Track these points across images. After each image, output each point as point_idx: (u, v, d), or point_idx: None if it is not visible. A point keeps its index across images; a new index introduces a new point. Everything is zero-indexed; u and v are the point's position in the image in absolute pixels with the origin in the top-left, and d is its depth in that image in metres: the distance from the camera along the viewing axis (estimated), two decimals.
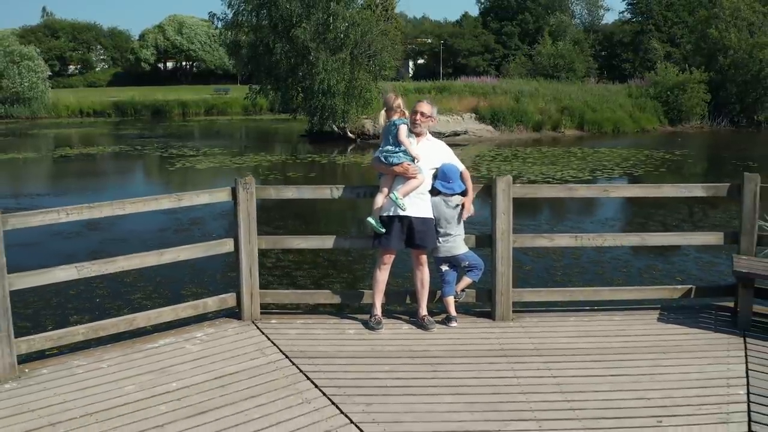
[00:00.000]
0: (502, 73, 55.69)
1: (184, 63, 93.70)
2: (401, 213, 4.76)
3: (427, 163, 4.89)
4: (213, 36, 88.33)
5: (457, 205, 4.96)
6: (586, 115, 39.69)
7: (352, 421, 3.61)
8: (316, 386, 4.03)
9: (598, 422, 3.61)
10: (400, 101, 4.93)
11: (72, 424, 3.66)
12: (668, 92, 44.89)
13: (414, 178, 4.75)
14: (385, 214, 4.82)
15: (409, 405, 3.83)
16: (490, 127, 36.20)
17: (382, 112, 4.98)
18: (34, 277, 4.40)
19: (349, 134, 33.14)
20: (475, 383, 4.11)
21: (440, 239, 5.00)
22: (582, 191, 5.90)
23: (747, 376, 4.16)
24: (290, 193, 5.39)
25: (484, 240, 5.15)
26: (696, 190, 5.33)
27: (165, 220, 14.89)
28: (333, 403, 3.82)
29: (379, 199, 4.84)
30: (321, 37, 30.60)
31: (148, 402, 3.89)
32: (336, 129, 32.90)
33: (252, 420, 3.64)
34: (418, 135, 4.93)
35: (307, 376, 4.16)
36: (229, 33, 34.35)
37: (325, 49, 30.54)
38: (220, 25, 34.83)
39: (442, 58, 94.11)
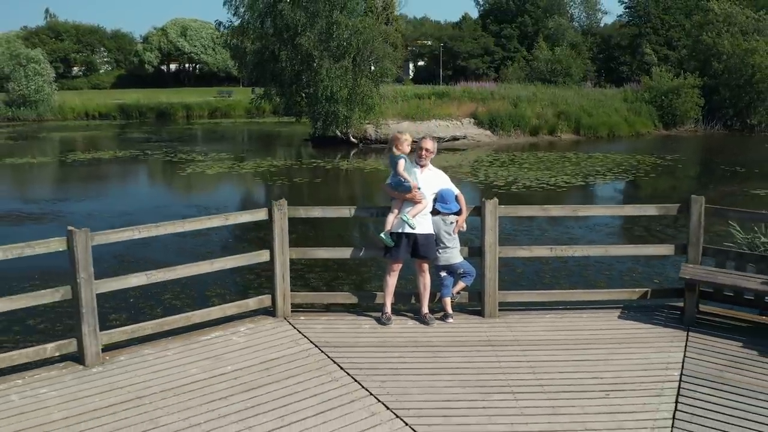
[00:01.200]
0: (501, 76, 56.69)
1: (187, 65, 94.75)
2: (408, 230, 5.84)
3: (429, 189, 5.97)
4: (215, 38, 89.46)
5: (452, 223, 6.04)
6: (583, 120, 40.61)
7: (371, 393, 4.69)
8: (342, 368, 5.11)
9: (560, 395, 4.69)
10: (407, 138, 5.96)
11: (155, 397, 4.74)
12: (663, 97, 45.76)
13: (419, 202, 5.83)
14: (395, 231, 5.90)
15: (415, 382, 4.91)
16: (488, 132, 37.20)
17: (393, 148, 6.01)
18: (113, 283, 5.47)
19: (352, 139, 34.16)
20: (466, 366, 5.20)
21: (440, 251, 6.08)
22: (555, 211, 7.00)
23: (683, 362, 5.24)
24: (316, 212, 6.49)
25: (475, 251, 6.23)
26: (650, 209, 6.41)
27: None
28: (356, 381, 4.90)
29: (390, 219, 5.92)
30: (324, 44, 31.61)
31: (210, 381, 4.97)
32: (339, 134, 33.94)
33: (294, 393, 4.73)
34: (422, 166, 6.01)
35: (334, 361, 5.25)
36: (235, 40, 35.39)
37: (328, 56, 31.55)
38: (226, 32, 35.85)
39: (442, 61, 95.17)
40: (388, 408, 4.51)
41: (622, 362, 5.22)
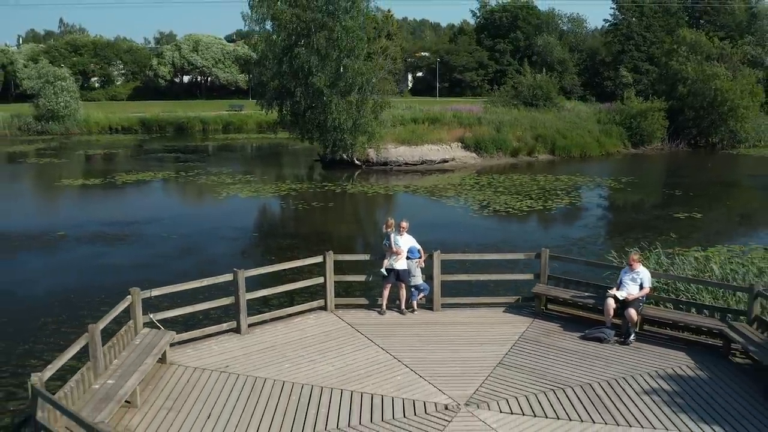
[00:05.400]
0: (490, 96, 62.06)
1: (198, 78, 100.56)
2: (394, 267, 11.68)
3: (405, 246, 11.79)
4: (226, 53, 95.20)
5: (417, 263, 11.86)
6: (558, 142, 46.00)
7: (376, 344, 10.51)
8: (363, 334, 10.93)
9: (460, 345, 10.48)
10: (394, 223, 11.79)
11: (279, 346, 10.53)
12: (632, 119, 51.13)
13: (400, 254, 11.67)
14: (387, 268, 11.74)
15: (398, 339, 10.72)
16: (474, 154, 42.92)
17: (385, 226, 11.83)
18: (252, 294, 11.26)
19: (356, 161, 40.02)
20: (421, 333, 11.02)
21: (410, 277, 11.90)
22: (471, 256, 12.87)
23: (523, 332, 11.05)
24: (347, 257, 12.30)
25: (429, 277, 12.05)
26: (521, 256, 12.26)
27: (231, 246, 21.73)
28: (369, 339, 10.71)
29: (385, 262, 11.75)
30: (333, 83, 37.35)
31: (302, 339, 10.78)
32: (345, 157, 39.77)
33: (341, 344, 10.54)
34: (401, 235, 11.83)
35: (358, 331, 11.06)
36: (255, 73, 41.13)
37: (336, 93, 37.33)
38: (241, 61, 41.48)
39: (439, 73, 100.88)
40: (384, 350, 10.34)
41: (495, 331, 11.05)
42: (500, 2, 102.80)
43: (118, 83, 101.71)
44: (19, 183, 39.04)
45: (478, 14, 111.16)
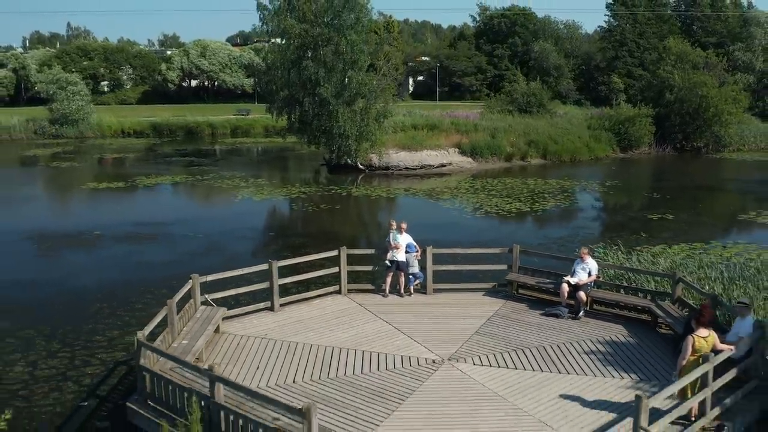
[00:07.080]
0: (487, 103, 64.85)
1: (206, 82, 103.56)
2: (395, 259, 14.62)
3: (403, 242, 14.72)
4: (233, 58, 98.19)
5: (414, 256, 14.78)
6: (549, 147, 48.86)
7: (382, 319, 13.44)
8: (370, 312, 13.85)
9: (443, 318, 13.40)
10: (395, 224, 14.72)
11: (306, 320, 13.45)
12: (620, 125, 54.02)
13: (399, 249, 14.60)
14: (390, 260, 14.67)
15: (399, 316, 13.62)
16: (470, 159, 45.83)
17: (389, 226, 14.76)
18: (282, 280, 14.20)
19: (360, 166, 42.95)
20: (417, 310, 13.96)
21: (409, 267, 14.82)
22: (457, 250, 15.83)
23: (497, 311, 13.98)
24: (357, 251, 15.23)
25: (423, 267, 14.98)
26: (497, 250, 15.21)
27: (250, 244, 24.64)
28: (376, 315, 13.63)
29: (388, 255, 14.68)
30: (339, 93, 40.28)
31: (324, 315, 13.72)
32: (350, 161, 42.69)
33: (353, 319, 13.47)
34: (401, 234, 14.76)
35: (367, 309, 13.99)
36: (263, 81, 44.07)
37: (342, 103, 40.26)
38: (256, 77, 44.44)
39: (439, 78, 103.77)
40: (387, 323, 13.27)
41: (475, 310, 13.97)
42: (498, 8, 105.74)
43: (128, 87, 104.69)
44: (47, 186, 42.02)
45: (478, 19, 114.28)
